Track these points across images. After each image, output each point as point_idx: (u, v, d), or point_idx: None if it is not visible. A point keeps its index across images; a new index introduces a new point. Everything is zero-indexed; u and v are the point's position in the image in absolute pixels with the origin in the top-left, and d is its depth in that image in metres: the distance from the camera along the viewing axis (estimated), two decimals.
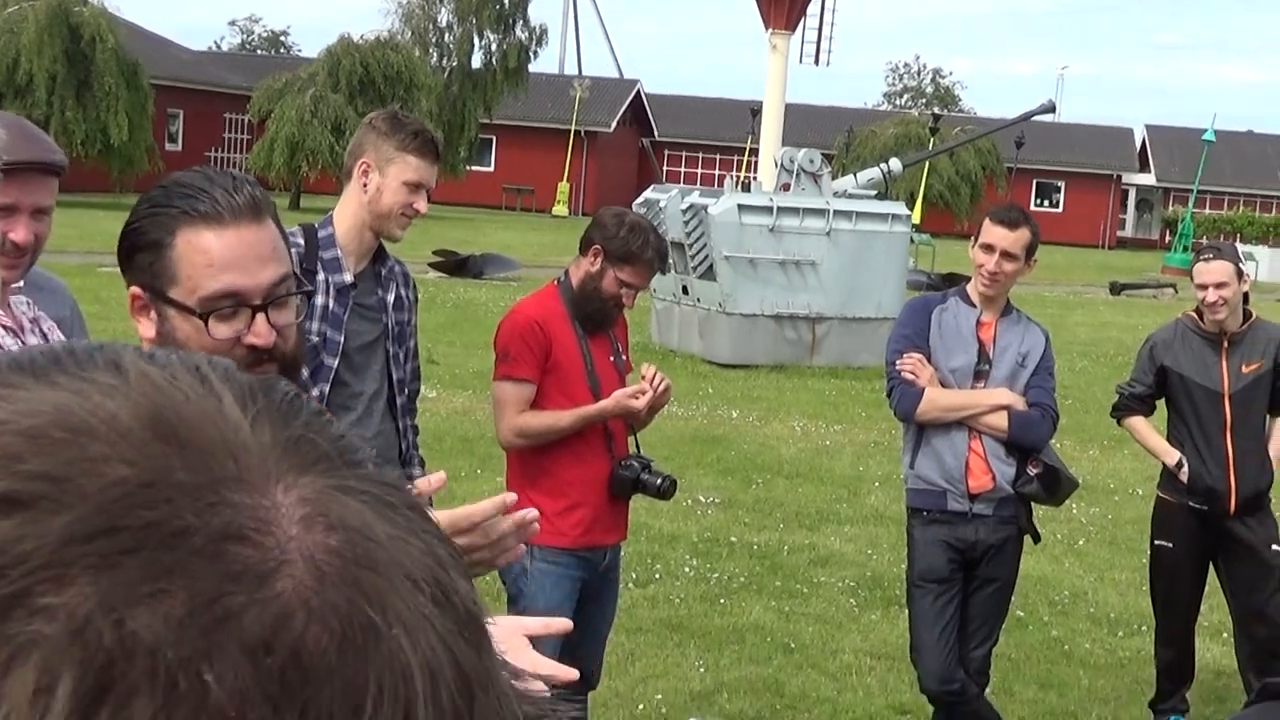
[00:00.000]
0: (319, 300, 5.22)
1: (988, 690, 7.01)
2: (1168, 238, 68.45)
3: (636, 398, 5.98)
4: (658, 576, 10.24)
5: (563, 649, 6.09)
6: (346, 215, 5.36)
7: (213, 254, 2.73)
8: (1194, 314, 7.64)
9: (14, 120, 4.10)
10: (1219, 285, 7.38)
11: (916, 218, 36.31)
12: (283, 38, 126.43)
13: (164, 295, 2.76)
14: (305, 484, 0.64)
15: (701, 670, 8.46)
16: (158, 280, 2.77)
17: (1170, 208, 74.70)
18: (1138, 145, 78.25)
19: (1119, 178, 76.48)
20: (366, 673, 0.59)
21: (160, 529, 0.59)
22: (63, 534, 0.58)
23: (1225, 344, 7.52)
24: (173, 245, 2.75)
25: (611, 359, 6.17)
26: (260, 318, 2.76)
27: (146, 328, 2.82)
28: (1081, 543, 11.93)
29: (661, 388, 6.06)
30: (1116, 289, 41.24)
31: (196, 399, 0.64)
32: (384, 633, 0.60)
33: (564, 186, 68.18)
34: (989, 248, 6.60)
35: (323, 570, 0.61)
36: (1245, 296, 7.57)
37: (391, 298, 5.47)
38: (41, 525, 0.58)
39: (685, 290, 21.81)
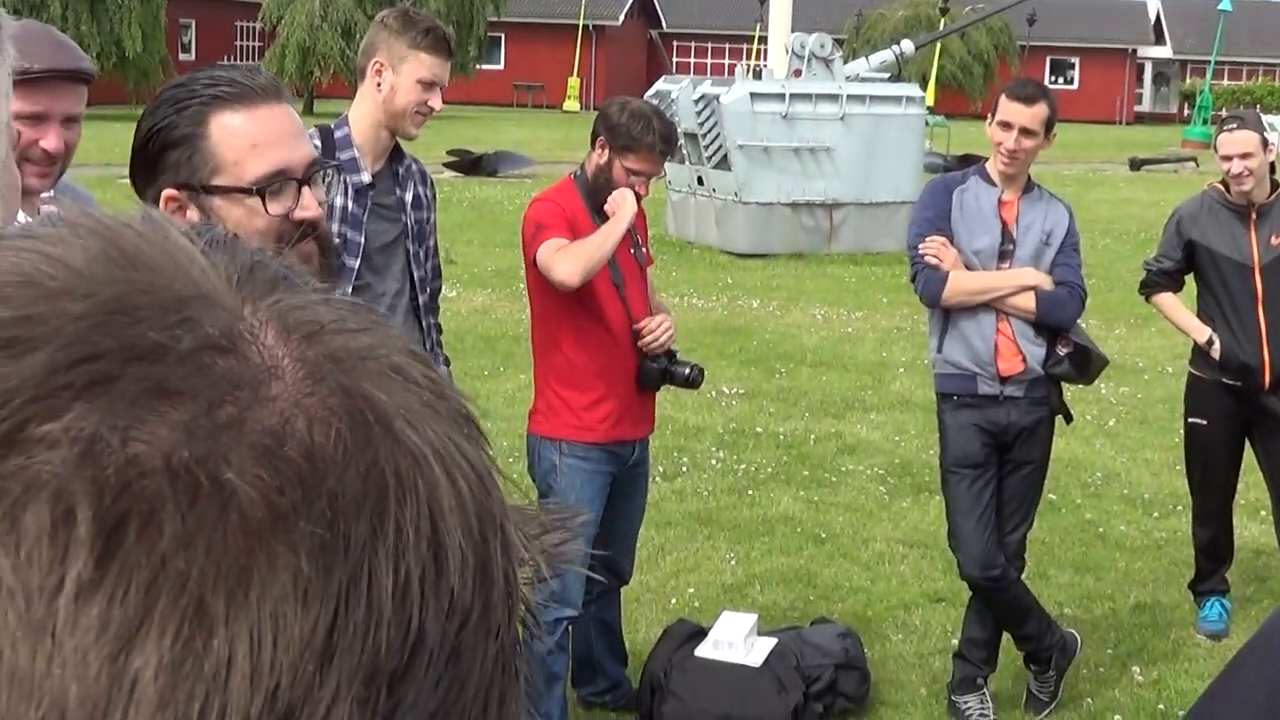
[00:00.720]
0: (337, 201, 5.19)
1: (1024, 574, 6.95)
2: (1186, 111, 68.04)
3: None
4: (685, 470, 10.19)
5: (595, 544, 6.07)
6: (362, 115, 5.35)
7: (254, 134, 2.72)
8: (1220, 186, 7.50)
9: (42, 29, 4.08)
10: (1244, 156, 7.24)
11: (930, 100, 35.99)
12: None
13: (208, 186, 2.73)
14: (271, 302, 0.62)
15: (733, 563, 8.43)
16: (197, 173, 2.73)
17: (1188, 80, 74.18)
18: (1152, 18, 77.66)
19: (1134, 52, 75.95)
20: (380, 462, 0.59)
21: (140, 347, 0.57)
22: (45, 366, 0.56)
23: (1253, 215, 7.38)
24: (207, 135, 2.71)
25: (632, 251, 6.08)
26: (306, 191, 2.76)
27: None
28: (1112, 423, 11.85)
29: (662, 331, 6.02)
30: (1136, 165, 40.95)
31: (147, 232, 0.63)
32: (391, 425, 0.60)
33: (574, 82, 67.83)
34: (1006, 125, 6.45)
35: (314, 374, 0.60)
36: (1272, 166, 7.43)
37: (409, 196, 5.45)
38: (21, 363, 0.56)
39: (700, 181, 21.69)
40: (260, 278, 0.64)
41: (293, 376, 0.59)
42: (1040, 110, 6.46)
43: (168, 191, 2.77)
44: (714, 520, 9.15)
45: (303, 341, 0.61)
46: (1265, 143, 7.30)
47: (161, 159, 2.76)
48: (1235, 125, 7.34)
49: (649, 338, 6.00)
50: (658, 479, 9.69)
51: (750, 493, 9.76)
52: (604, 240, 5.74)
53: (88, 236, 0.61)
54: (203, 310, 0.59)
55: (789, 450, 10.81)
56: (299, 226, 2.76)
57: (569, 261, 5.69)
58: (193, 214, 2.75)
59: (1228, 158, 7.29)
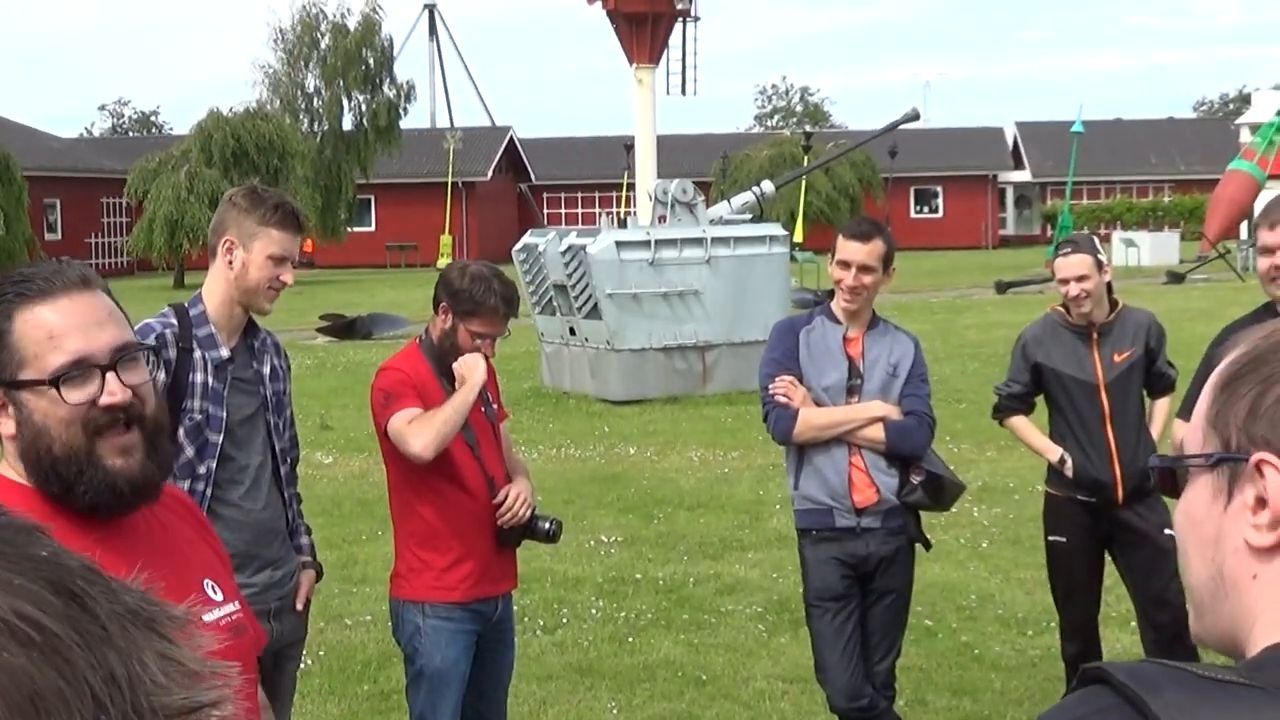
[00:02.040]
0: (198, 378, 5.28)
1: (899, 702, 7.03)
2: (1049, 232, 69.13)
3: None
4: (565, 621, 10.21)
5: (465, 703, 6.09)
6: (215, 292, 5.42)
7: (53, 325, 2.80)
8: (1061, 308, 7.71)
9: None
10: (1080, 278, 7.44)
11: (799, 236, 36.57)
12: (153, 117, 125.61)
13: (15, 381, 2.81)
14: None
15: (615, 711, 8.44)
16: (6, 369, 2.82)
17: (1049, 202, 75.47)
18: (1010, 143, 79.21)
19: (995, 177, 77.36)
20: None
21: None
22: None
23: (1095, 335, 7.57)
24: (12, 330, 2.80)
25: (483, 410, 6.14)
26: (110, 376, 2.82)
27: (6, 425, 2.87)
28: (985, 545, 12.00)
29: (520, 505, 6.09)
30: (1002, 288, 41.59)
31: None
32: None
33: (446, 239, 68.06)
34: (845, 264, 6.63)
35: None
36: (1109, 286, 7.64)
37: (267, 369, 5.53)
38: None
39: (572, 331, 21.83)
40: None
41: None
42: (876, 246, 6.64)
43: None
44: (595, 670, 9.16)
45: None
46: (1100, 264, 7.51)
47: None
48: (1070, 250, 7.54)
49: (508, 515, 6.06)
50: (538, 632, 9.71)
51: (630, 640, 9.79)
52: (455, 410, 5.81)
53: None
54: None
55: (668, 594, 10.86)
56: (109, 412, 2.82)
57: (423, 436, 5.76)
58: (9, 411, 2.84)
59: (1065, 281, 7.50)
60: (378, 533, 12.73)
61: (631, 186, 50.41)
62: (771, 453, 16.46)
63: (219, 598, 3.08)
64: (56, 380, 2.80)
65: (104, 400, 2.83)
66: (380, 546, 12.13)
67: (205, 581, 3.07)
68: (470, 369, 5.89)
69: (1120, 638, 9.11)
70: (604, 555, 12.07)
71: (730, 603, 10.60)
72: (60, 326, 2.80)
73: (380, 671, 9.07)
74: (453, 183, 68.85)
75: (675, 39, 48.93)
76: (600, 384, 21.51)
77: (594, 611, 10.43)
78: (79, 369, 2.81)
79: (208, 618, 3.00)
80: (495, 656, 6.24)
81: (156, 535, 3.00)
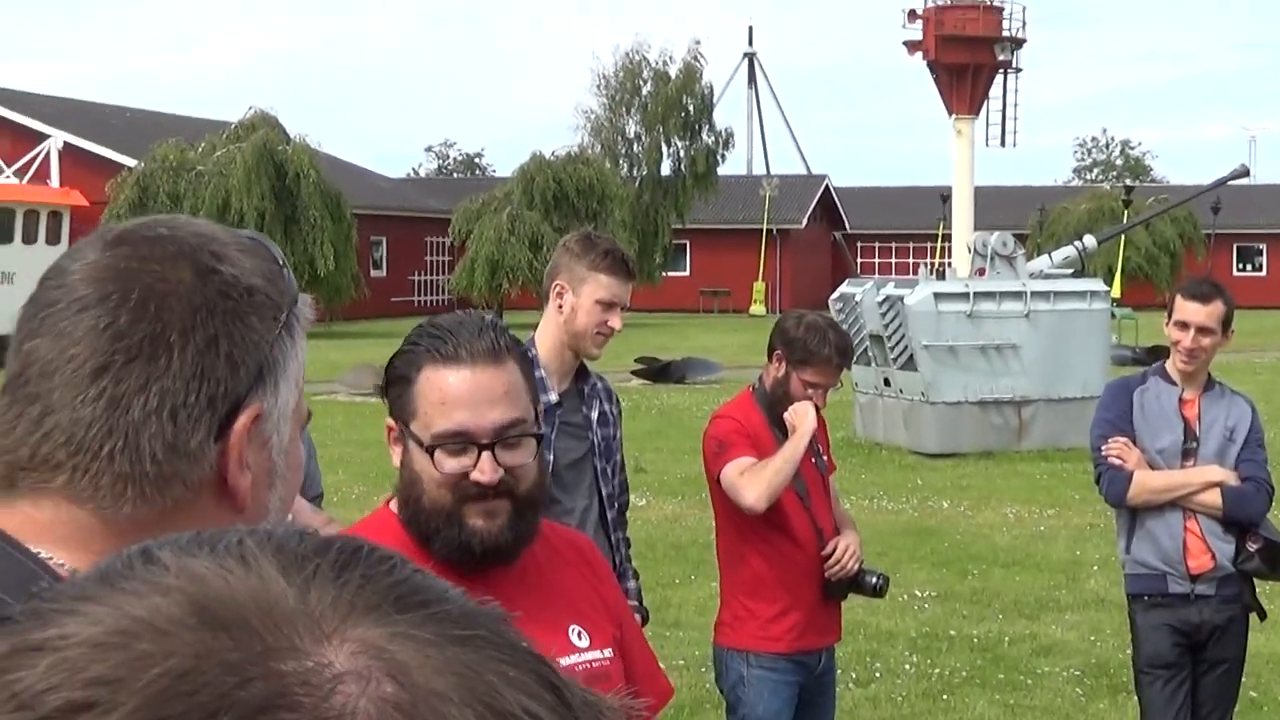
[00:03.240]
0: None
1: None
2: None
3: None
4: (878, 675, 10.14)
5: None
6: (546, 336, 5.49)
7: (447, 392, 2.93)
8: None
9: None
10: None
11: (1116, 292, 35.87)
12: (477, 159, 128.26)
13: (407, 428, 2.98)
14: (356, 637, 0.69)
15: None
16: (403, 413, 2.99)
17: None
18: None
19: None
20: None
21: (200, 711, 0.65)
22: None
23: None
24: (416, 381, 2.96)
25: (814, 461, 6.16)
26: (486, 456, 2.93)
27: (395, 457, 3.05)
28: None
29: (849, 558, 6.08)
30: None
31: (239, 581, 0.70)
32: None
33: (759, 285, 68.34)
34: (1183, 324, 6.50)
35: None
36: None
37: (595, 414, 5.57)
38: None
39: (887, 382, 21.72)
40: (358, 606, 0.71)
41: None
42: (1216, 308, 6.49)
43: (388, 420, 3.06)
44: None
45: (375, 683, 0.67)
46: None
47: (388, 390, 3.05)
48: None
49: (836, 568, 6.06)
50: (851, 685, 9.65)
51: (945, 697, 9.68)
52: (786, 461, 5.84)
53: (182, 590, 0.70)
54: (278, 661, 0.67)
55: (983, 653, 10.72)
56: (479, 486, 2.93)
57: (755, 488, 5.80)
58: (399, 447, 3.01)
59: None
60: (691, 577, 12.80)
61: (947, 237, 50.08)
62: (1088, 512, 16.17)
63: (583, 644, 3.13)
64: (434, 447, 2.93)
65: (474, 476, 2.93)
66: (693, 591, 12.20)
67: (571, 627, 3.13)
68: (800, 417, 5.91)
69: None
70: (917, 610, 11.97)
71: (1046, 664, 10.42)
72: (454, 396, 2.93)
73: (694, 717, 9.10)
74: (767, 229, 69.09)
75: (995, 89, 48.65)
76: (914, 436, 21.35)
77: (907, 667, 10.35)
78: (458, 441, 2.93)
79: (563, 662, 3.04)
80: (816, 709, 6.23)
81: (530, 576, 3.08)
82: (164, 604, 0.69)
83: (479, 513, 2.95)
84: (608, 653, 3.19)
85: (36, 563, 1.54)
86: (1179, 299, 6.58)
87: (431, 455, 2.93)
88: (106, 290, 1.54)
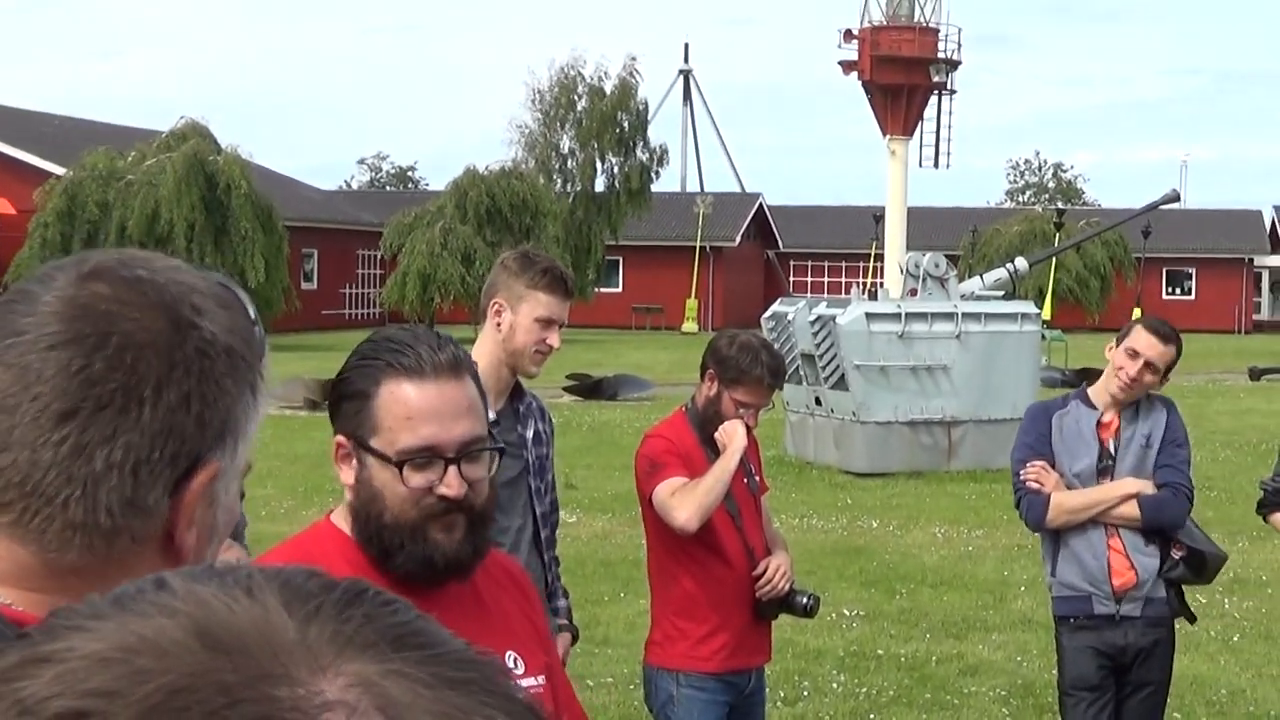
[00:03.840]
0: None
1: None
2: None
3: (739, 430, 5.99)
4: (805, 694, 10.18)
5: None
6: (484, 354, 5.46)
7: (412, 406, 2.90)
8: None
9: None
10: None
11: (1047, 314, 36.13)
12: (410, 172, 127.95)
13: (365, 444, 2.94)
14: (351, 671, 0.70)
15: None
16: (360, 429, 2.95)
17: None
18: (1268, 226, 77.35)
19: (1251, 261, 75.61)
20: None
21: None
22: None
23: None
24: (376, 395, 2.92)
25: (745, 481, 6.18)
26: (453, 470, 2.92)
27: (347, 475, 3.00)
28: (1236, 639, 11.73)
29: (780, 578, 6.11)
30: (1256, 374, 40.60)
31: (243, 611, 0.73)
32: None
33: (692, 303, 68.44)
34: (1134, 353, 6.55)
35: None
36: None
37: (530, 433, 5.57)
38: None
39: (818, 401, 21.80)
40: (356, 643, 0.73)
41: None
42: (1170, 352, 6.58)
43: (338, 437, 3.00)
44: None
45: (373, 713, 0.69)
46: None
47: (339, 405, 2.99)
48: None
49: (767, 588, 6.08)
50: (779, 704, 9.68)
51: (872, 717, 9.72)
52: (717, 480, 5.86)
53: (187, 614, 0.72)
54: (272, 688, 0.69)
55: (910, 672, 10.78)
56: (443, 501, 2.92)
57: (686, 508, 5.81)
58: (355, 462, 2.97)
59: None
60: (620, 594, 12.81)
61: (880, 256, 50.30)
62: (1017, 533, 16.24)
63: (519, 670, 3.13)
64: (402, 462, 2.91)
65: (440, 490, 2.92)
66: (623, 608, 12.21)
67: (509, 653, 3.12)
68: (730, 435, 5.93)
69: None
70: (845, 629, 12.02)
71: (973, 684, 10.48)
72: (420, 410, 2.91)
73: None
74: (701, 247, 69.23)
75: (930, 110, 48.86)
76: (844, 455, 21.44)
77: (835, 686, 10.39)
78: (425, 456, 2.92)
79: None
80: None
81: (466, 602, 3.08)
82: (168, 625, 0.71)
83: (439, 527, 2.94)
84: (540, 679, 3.19)
85: None
86: (1140, 329, 6.64)
87: (400, 470, 2.91)
88: (81, 331, 1.50)
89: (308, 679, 0.70)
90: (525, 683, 3.14)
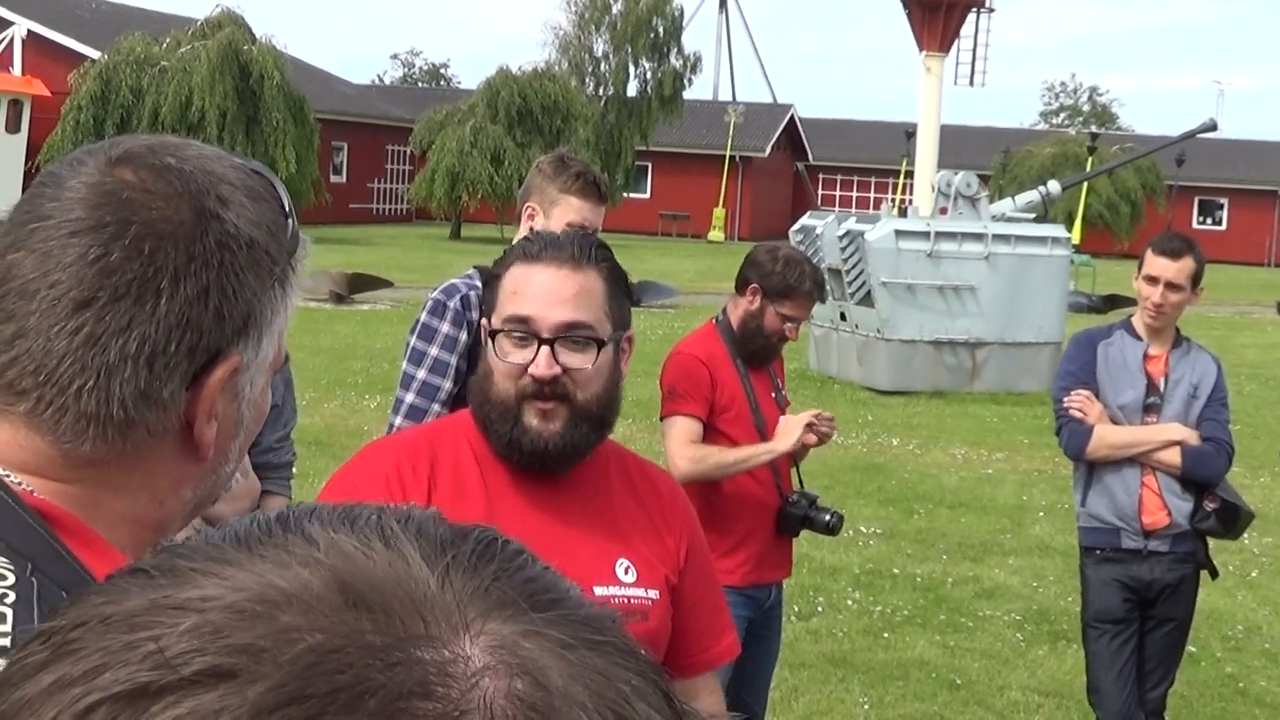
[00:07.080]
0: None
1: None
2: None
3: (811, 425, 5.93)
4: (820, 609, 10.17)
5: (729, 688, 6.07)
6: None
7: (519, 283, 3.01)
8: None
9: None
10: None
11: (1076, 238, 35.91)
12: (443, 70, 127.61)
13: (489, 322, 3.07)
14: (492, 631, 0.67)
15: (865, 707, 8.38)
16: (489, 310, 3.08)
17: None
18: None
19: None
20: None
21: (345, 693, 0.62)
22: (256, 704, 0.62)
23: None
24: (502, 278, 3.05)
25: (773, 395, 6.15)
26: (545, 350, 2.96)
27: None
28: (1254, 574, 11.68)
29: (832, 428, 6.05)
30: None
31: (383, 562, 0.68)
32: None
33: (719, 212, 68.23)
34: (1153, 279, 6.46)
35: (499, 717, 0.63)
36: None
37: None
38: (239, 696, 0.62)
39: (843, 316, 21.72)
40: (493, 601, 0.69)
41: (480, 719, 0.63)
42: (1186, 264, 6.47)
43: (482, 320, 3.19)
44: (848, 663, 9.10)
45: (506, 679, 0.65)
46: None
47: (486, 294, 3.17)
48: None
49: (826, 428, 5.99)
50: (793, 618, 9.67)
51: (886, 635, 9.71)
52: (737, 462, 5.87)
53: (330, 566, 0.68)
54: (418, 649, 0.65)
55: (926, 593, 10.76)
56: (536, 383, 2.96)
57: (689, 466, 5.81)
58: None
59: None
60: None
61: (909, 174, 49.98)
62: (1037, 457, 16.24)
63: (628, 579, 3.10)
64: (496, 332, 3.00)
65: (531, 369, 2.96)
66: None
67: (620, 560, 3.11)
68: (785, 434, 5.89)
69: None
70: (862, 546, 12.00)
71: (989, 607, 10.46)
72: (524, 287, 3.00)
73: None
74: (730, 156, 68.95)
75: (968, 28, 48.41)
76: (867, 372, 21.38)
77: (850, 603, 10.37)
78: (519, 328, 2.98)
79: (599, 591, 3.04)
80: (762, 643, 6.22)
81: (595, 504, 3.10)
82: (309, 577, 0.67)
83: (536, 412, 2.97)
84: (653, 594, 3.13)
85: None
86: (1149, 253, 6.55)
87: (494, 340, 3.00)
88: (103, 218, 1.48)
89: (450, 639, 0.66)
90: (632, 591, 3.10)
